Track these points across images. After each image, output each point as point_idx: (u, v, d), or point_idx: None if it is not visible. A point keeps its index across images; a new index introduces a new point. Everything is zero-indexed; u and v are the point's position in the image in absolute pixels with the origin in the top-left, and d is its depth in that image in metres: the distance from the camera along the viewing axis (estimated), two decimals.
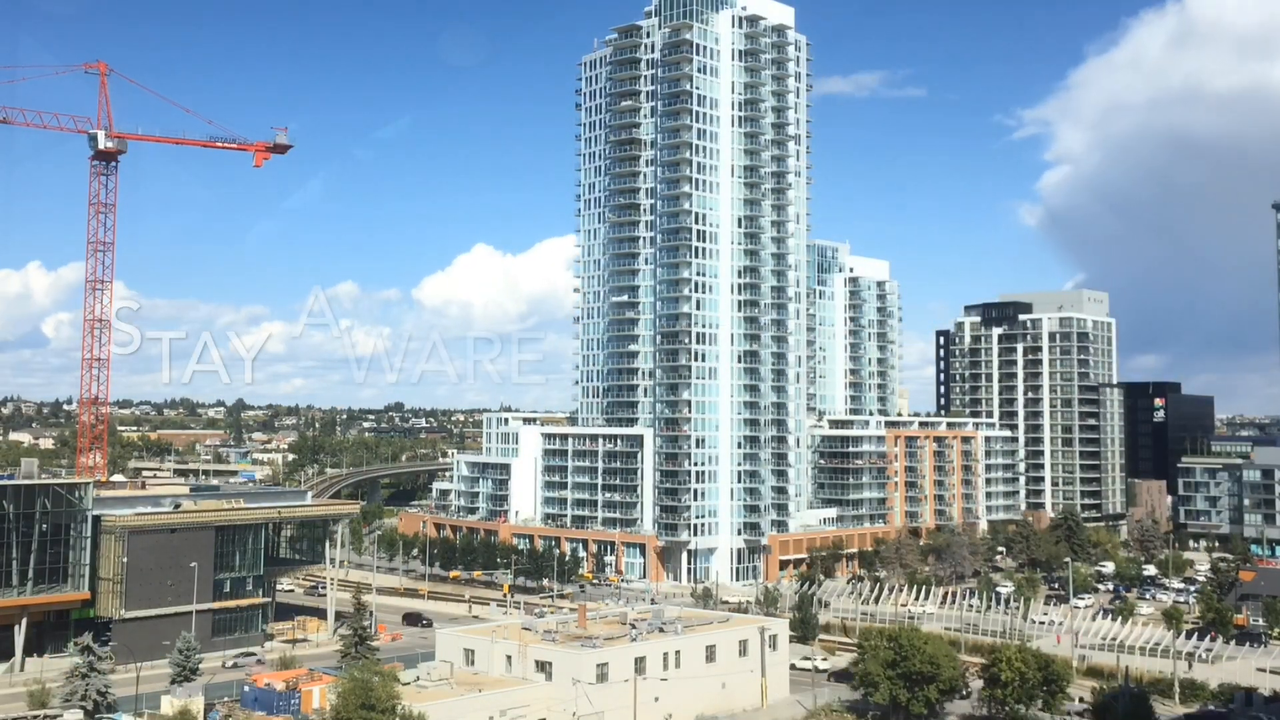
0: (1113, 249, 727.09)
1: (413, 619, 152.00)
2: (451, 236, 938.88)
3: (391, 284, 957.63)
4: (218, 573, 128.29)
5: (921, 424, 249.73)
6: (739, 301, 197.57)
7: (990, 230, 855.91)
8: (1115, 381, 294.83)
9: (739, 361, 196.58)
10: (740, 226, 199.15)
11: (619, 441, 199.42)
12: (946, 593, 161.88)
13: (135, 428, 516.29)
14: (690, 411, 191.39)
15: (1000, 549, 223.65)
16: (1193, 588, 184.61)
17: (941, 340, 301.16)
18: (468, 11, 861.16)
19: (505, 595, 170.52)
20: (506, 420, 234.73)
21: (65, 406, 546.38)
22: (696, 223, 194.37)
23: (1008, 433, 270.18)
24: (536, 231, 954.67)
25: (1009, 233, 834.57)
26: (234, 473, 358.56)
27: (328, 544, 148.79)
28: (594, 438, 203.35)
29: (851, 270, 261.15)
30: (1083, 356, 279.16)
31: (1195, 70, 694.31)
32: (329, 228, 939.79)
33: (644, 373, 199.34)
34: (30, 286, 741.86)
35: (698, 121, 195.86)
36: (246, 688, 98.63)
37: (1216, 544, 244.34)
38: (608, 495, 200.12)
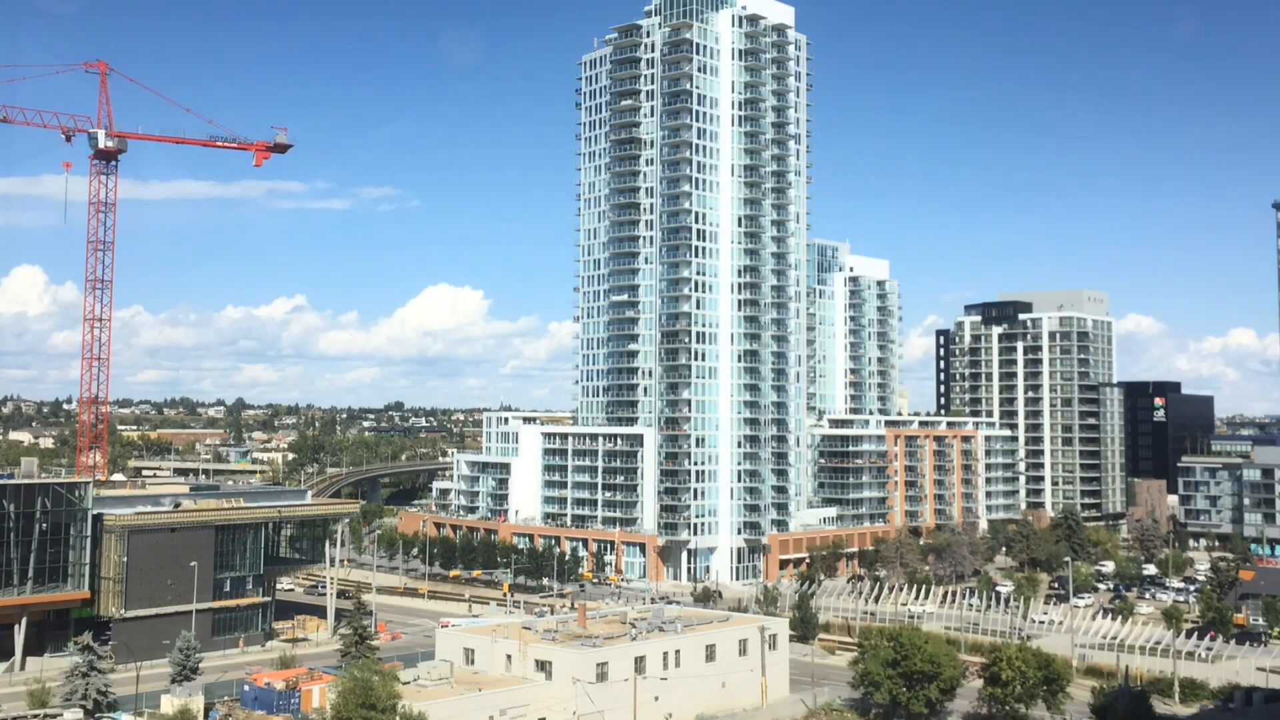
0: None
1: None
2: (453, 236, 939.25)
3: (390, 288, 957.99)
4: (218, 572, 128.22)
5: (921, 423, 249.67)
6: (739, 301, 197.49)
7: (990, 230, 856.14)
8: (1115, 381, 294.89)
9: (739, 361, 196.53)
10: (740, 226, 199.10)
11: (619, 441, 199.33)
12: (946, 592, 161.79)
13: (135, 427, 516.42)
14: (690, 411, 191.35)
15: (1001, 548, 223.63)
16: (1193, 587, 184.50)
17: (941, 340, 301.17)
18: (468, 11, 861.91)
19: (505, 594, 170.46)
20: (506, 420, 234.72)
21: (65, 406, 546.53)
22: (697, 222, 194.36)
23: (1008, 432, 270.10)
24: (536, 232, 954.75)
25: (1010, 231, 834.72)
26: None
27: (328, 543, 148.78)
28: (594, 437, 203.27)
29: (851, 269, 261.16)
30: (1083, 356, 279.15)
31: None
32: (329, 227, 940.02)
33: (644, 372, 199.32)
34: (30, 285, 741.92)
35: (698, 121, 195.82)
36: (246, 687, 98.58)
37: (1216, 543, 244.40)
38: (608, 494, 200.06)
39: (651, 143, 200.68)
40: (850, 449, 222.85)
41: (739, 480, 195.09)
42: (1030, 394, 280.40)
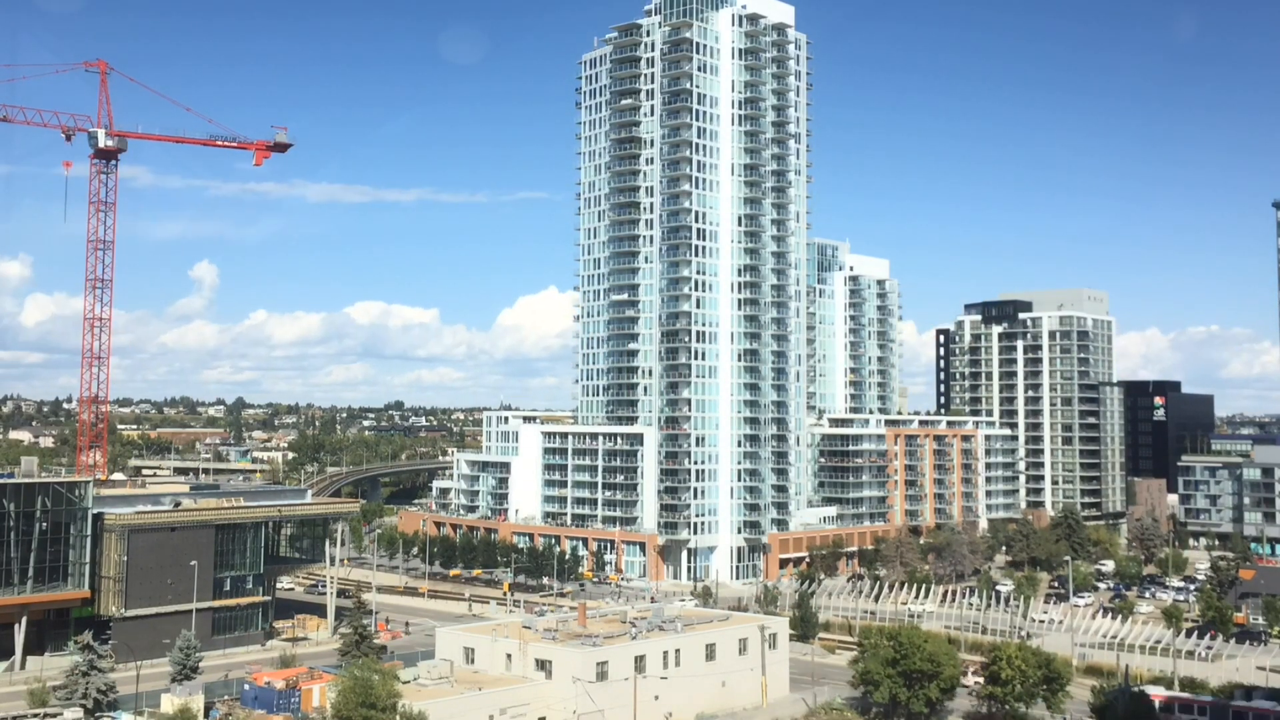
0: None
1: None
2: (455, 235, 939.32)
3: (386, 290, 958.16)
4: (218, 571, 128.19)
5: (921, 422, 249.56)
6: (739, 300, 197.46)
7: (990, 229, 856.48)
8: (1115, 380, 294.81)
9: (739, 360, 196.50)
10: (740, 225, 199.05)
11: (619, 440, 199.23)
12: (946, 591, 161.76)
13: (135, 426, 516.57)
14: (690, 410, 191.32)
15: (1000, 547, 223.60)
16: (1193, 586, 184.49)
17: (942, 339, 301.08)
18: (468, 10, 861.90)
19: (505, 594, 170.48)
20: (507, 419, 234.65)
21: (65, 405, 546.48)
22: (697, 221, 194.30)
23: (1008, 431, 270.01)
24: (536, 231, 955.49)
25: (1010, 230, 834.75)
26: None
27: (328, 542, 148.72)
28: (594, 436, 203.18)
29: (851, 269, 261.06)
30: (1083, 355, 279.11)
31: None
32: (329, 226, 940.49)
33: (644, 371, 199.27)
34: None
35: (698, 120, 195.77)
36: (246, 686, 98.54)
37: (1216, 542, 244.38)
38: (608, 494, 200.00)
39: (651, 142, 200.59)
40: (850, 448, 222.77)
41: (739, 479, 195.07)
42: (1030, 393, 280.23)
